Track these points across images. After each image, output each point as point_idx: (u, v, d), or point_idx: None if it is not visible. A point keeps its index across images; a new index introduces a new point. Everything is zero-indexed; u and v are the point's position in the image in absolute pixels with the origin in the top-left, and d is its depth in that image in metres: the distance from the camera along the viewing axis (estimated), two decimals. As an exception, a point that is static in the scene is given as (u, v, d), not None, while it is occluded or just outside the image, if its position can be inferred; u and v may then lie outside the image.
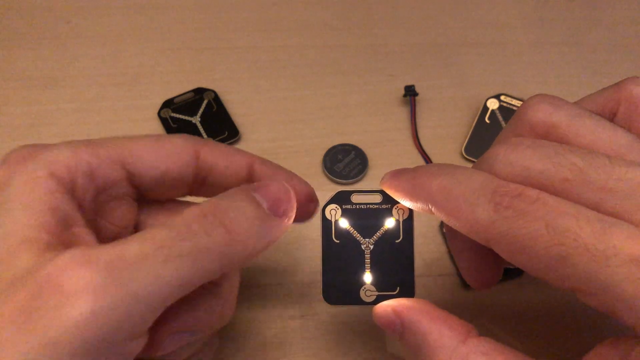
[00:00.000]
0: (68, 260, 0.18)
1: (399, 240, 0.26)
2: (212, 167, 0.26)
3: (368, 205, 0.26)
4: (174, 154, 0.25)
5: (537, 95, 0.24)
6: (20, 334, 0.17)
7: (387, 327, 0.24)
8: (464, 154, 0.40)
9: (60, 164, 0.22)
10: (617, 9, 0.51)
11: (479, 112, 0.42)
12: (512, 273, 0.34)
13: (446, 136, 0.42)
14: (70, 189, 0.22)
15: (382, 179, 0.25)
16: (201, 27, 0.48)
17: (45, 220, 0.20)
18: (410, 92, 0.43)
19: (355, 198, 0.26)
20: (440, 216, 0.22)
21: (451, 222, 0.22)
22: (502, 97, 0.43)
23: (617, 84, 0.26)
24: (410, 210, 0.26)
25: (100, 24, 0.48)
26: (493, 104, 0.42)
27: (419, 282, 0.34)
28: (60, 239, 0.20)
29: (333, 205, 0.26)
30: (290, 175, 0.27)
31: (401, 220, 0.26)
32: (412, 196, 0.24)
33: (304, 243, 0.36)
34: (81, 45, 0.47)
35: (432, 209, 0.23)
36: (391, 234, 0.26)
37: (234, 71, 0.45)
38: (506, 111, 0.42)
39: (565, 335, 0.32)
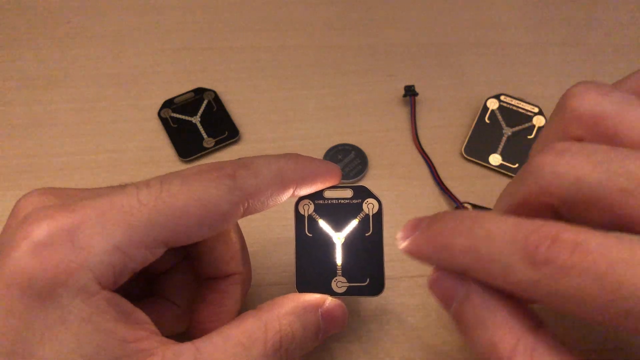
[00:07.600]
0: None
1: (369, 233, 0.27)
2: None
3: (339, 200, 0.27)
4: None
5: (579, 82, 0.21)
6: None
7: (447, 290, 0.21)
8: (463, 154, 0.40)
9: (103, 270, 0.21)
10: (617, 10, 0.51)
11: (479, 112, 0.42)
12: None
13: (446, 136, 0.42)
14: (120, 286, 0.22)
15: (398, 239, 0.23)
16: (201, 27, 0.48)
17: (107, 341, 0.20)
18: (410, 92, 0.43)
19: (327, 193, 0.27)
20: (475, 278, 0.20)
21: (488, 284, 0.20)
22: (502, 97, 0.43)
23: None
24: (380, 205, 0.27)
25: (100, 24, 0.48)
26: (493, 104, 0.42)
27: (414, 282, 0.34)
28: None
29: (306, 200, 0.27)
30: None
31: (371, 214, 0.27)
32: (439, 263, 0.21)
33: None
34: (81, 45, 0.47)
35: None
36: (361, 228, 0.27)
37: (234, 71, 0.45)
38: (506, 111, 0.42)
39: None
